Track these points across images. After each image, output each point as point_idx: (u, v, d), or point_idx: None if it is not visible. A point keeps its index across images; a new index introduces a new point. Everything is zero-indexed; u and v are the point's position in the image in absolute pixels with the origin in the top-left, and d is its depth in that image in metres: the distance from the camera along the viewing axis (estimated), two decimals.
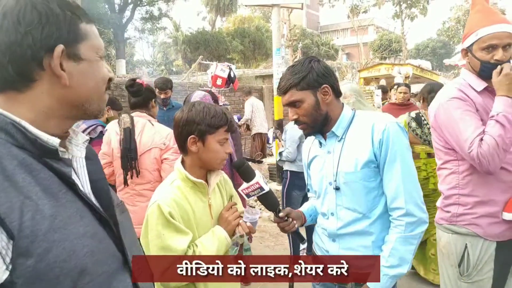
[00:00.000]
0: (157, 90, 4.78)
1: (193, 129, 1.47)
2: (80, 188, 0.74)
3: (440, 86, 3.31)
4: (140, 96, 2.54)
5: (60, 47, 0.71)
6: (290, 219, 1.57)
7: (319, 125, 1.52)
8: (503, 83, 1.65)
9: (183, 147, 1.52)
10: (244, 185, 1.50)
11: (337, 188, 1.52)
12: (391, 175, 1.43)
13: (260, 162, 7.39)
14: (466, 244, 1.82)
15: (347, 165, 1.48)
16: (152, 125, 2.53)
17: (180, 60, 27.09)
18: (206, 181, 1.57)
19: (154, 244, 1.42)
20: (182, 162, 1.57)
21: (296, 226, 1.59)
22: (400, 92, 4.86)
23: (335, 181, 1.51)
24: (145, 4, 22.58)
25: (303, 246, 3.89)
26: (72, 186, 0.73)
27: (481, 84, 1.80)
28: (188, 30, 26.91)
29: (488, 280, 1.82)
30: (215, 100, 3.49)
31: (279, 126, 6.39)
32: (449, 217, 1.87)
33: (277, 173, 6.18)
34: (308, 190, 1.82)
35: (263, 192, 1.48)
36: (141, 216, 2.34)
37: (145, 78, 10.22)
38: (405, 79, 8.59)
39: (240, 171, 1.53)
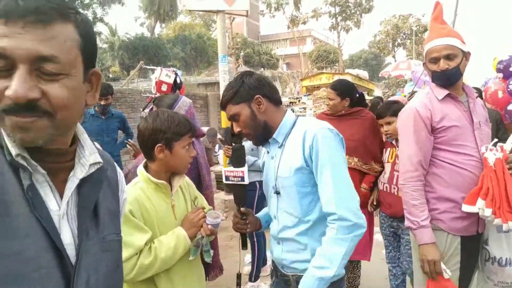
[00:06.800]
0: None
1: (160, 138, 1.56)
2: (35, 208, 0.66)
3: None
4: None
5: None
6: (247, 221, 1.67)
7: (261, 134, 1.59)
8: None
9: (149, 155, 1.61)
10: (230, 168, 1.62)
11: (277, 193, 1.59)
12: (323, 181, 1.45)
13: None
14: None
15: (283, 170, 1.55)
16: None
17: (117, 66, 25.86)
18: (170, 183, 1.66)
19: None
20: (146, 166, 1.65)
21: (248, 229, 1.68)
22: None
23: (275, 185, 1.59)
24: (78, 7, 21.30)
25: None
26: (31, 201, 0.66)
27: (442, 93, 1.97)
28: (125, 36, 25.85)
29: (455, 272, 1.95)
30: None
31: (226, 134, 6.26)
32: None
33: None
34: None
35: (241, 183, 1.61)
36: None
37: None
38: None
39: (234, 153, 1.67)
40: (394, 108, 2.72)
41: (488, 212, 1.78)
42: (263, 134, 1.60)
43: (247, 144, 3.65)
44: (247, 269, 4.00)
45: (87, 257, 0.73)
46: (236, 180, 1.59)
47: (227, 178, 1.61)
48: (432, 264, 1.85)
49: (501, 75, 4.00)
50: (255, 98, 1.54)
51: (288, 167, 1.52)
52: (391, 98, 7.61)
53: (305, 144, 1.47)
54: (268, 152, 1.69)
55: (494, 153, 1.84)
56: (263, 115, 1.56)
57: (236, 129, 1.59)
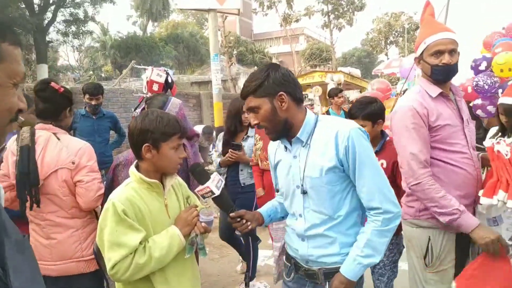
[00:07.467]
0: (87, 96, 4.40)
1: (147, 138, 1.56)
2: None
3: None
4: (51, 103, 2.05)
5: None
6: (244, 221, 1.68)
7: (280, 130, 1.57)
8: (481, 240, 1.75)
9: (138, 154, 1.61)
10: (199, 187, 1.65)
11: (304, 192, 1.57)
12: (363, 180, 1.50)
13: None
14: (429, 236, 1.93)
15: (313, 170, 1.54)
16: (58, 139, 2.04)
17: (110, 66, 25.67)
18: (162, 182, 1.66)
19: (108, 240, 1.50)
20: (137, 166, 1.66)
21: (249, 227, 1.69)
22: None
23: (302, 185, 1.57)
24: (69, 6, 21.03)
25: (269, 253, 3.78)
26: None
27: (435, 91, 1.94)
28: (117, 34, 25.66)
29: (451, 269, 1.95)
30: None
31: (219, 132, 6.23)
32: (414, 212, 2.00)
33: None
34: (277, 190, 1.83)
35: (214, 195, 1.63)
36: (62, 251, 2.01)
37: (71, 84, 9.44)
38: (338, 86, 8.97)
39: (194, 174, 1.70)
40: (368, 111, 2.36)
41: (511, 203, 1.76)
42: (282, 131, 1.58)
43: (248, 144, 3.60)
44: (240, 267, 4.00)
45: (10, 263, 0.70)
46: (209, 195, 1.63)
47: (202, 196, 1.66)
48: (496, 241, 1.72)
49: (472, 72, 4.16)
50: (278, 95, 1.50)
51: (318, 167, 1.52)
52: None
53: (340, 145, 1.48)
54: (286, 149, 1.66)
55: (503, 146, 1.85)
56: (284, 112, 1.53)
57: (254, 121, 1.57)
